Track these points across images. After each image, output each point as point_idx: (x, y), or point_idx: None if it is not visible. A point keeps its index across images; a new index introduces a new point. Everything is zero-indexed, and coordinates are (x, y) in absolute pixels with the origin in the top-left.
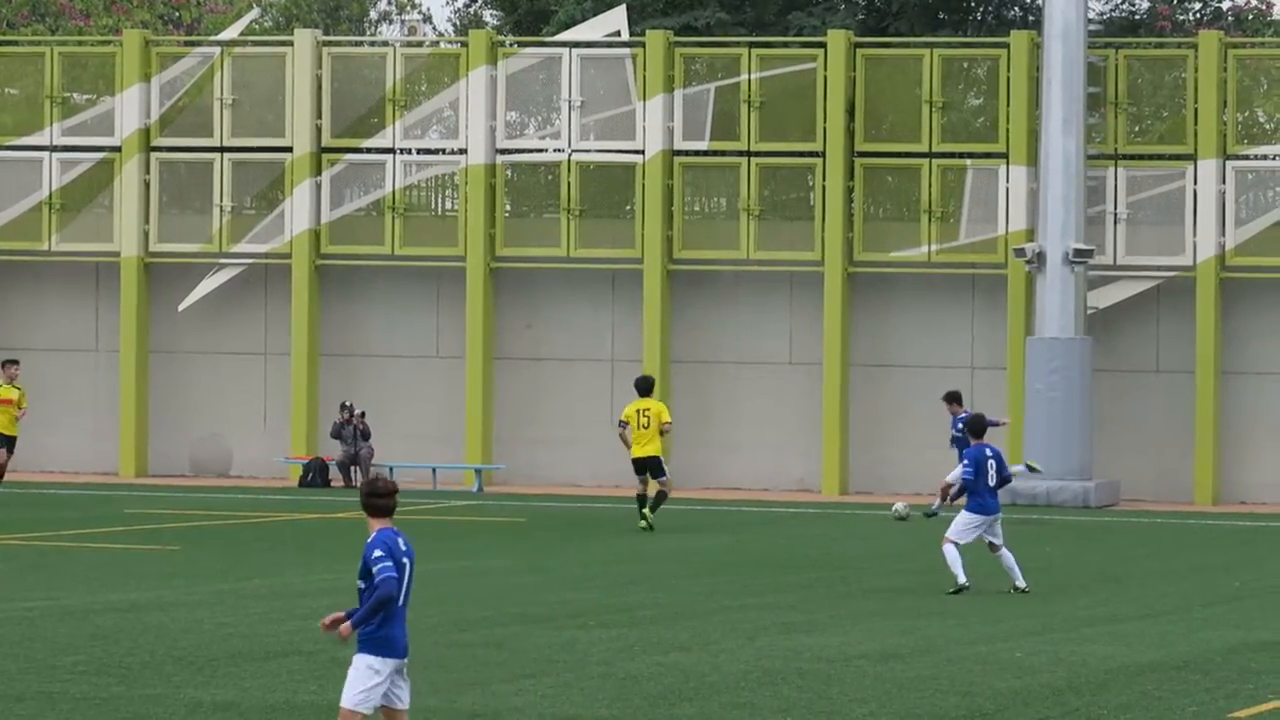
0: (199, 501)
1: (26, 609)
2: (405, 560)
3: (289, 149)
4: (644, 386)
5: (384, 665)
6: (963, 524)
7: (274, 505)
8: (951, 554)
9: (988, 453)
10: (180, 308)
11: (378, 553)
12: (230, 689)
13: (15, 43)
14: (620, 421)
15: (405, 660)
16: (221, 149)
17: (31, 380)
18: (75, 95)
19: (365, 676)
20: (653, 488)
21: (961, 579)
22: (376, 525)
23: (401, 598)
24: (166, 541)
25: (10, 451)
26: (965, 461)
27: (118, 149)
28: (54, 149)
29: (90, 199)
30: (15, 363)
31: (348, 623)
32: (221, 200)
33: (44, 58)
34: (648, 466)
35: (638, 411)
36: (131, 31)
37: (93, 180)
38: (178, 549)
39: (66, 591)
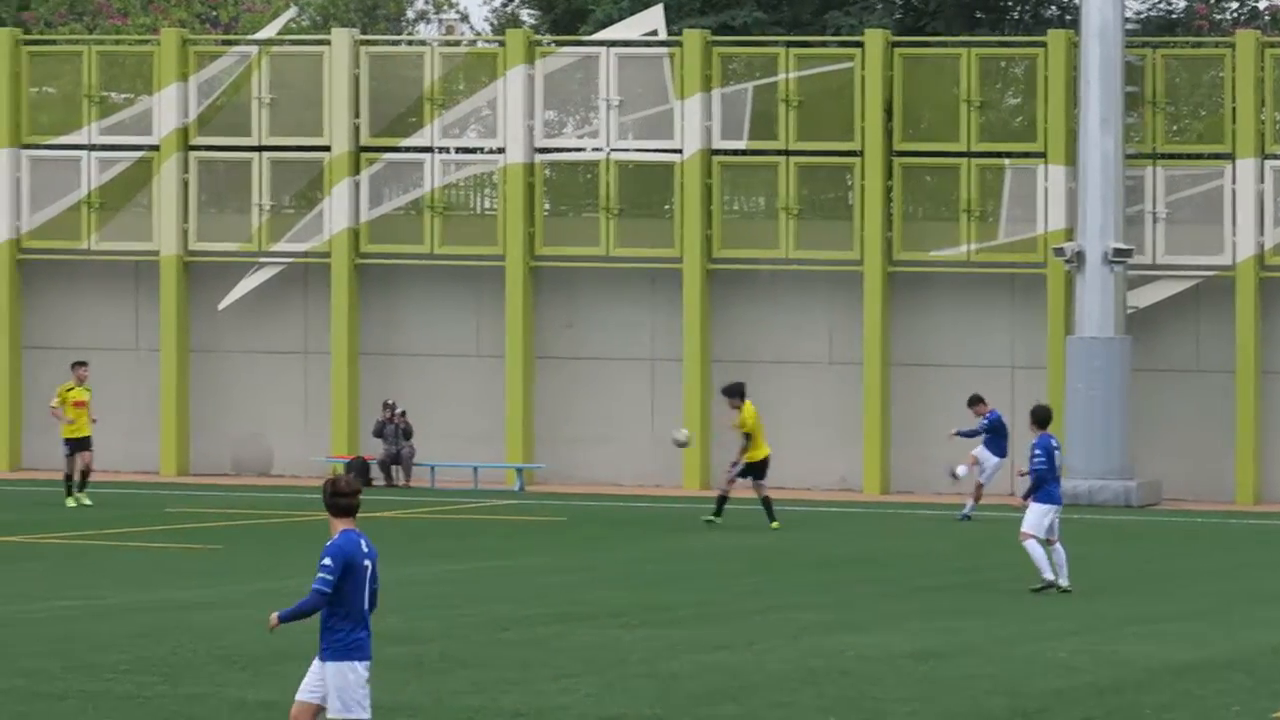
0: (240, 500)
1: (68, 608)
2: (367, 562)
3: (327, 148)
4: (741, 391)
5: (365, 669)
6: (1038, 516)
7: (315, 505)
8: (1036, 550)
9: (1053, 443)
10: (220, 307)
11: (327, 560)
12: (273, 688)
13: (53, 41)
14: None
15: (369, 662)
16: (260, 148)
17: (68, 378)
18: (113, 94)
19: (356, 684)
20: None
21: (1048, 574)
22: (339, 526)
23: (366, 602)
24: (208, 540)
25: (89, 450)
26: (1038, 451)
27: (156, 148)
28: (92, 148)
29: (129, 198)
30: (84, 364)
31: (275, 615)
32: (260, 199)
33: (81, 57)
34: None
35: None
36: (169, 30)
37: (131, 179)
38: (220, 548)
39: (108, 590)
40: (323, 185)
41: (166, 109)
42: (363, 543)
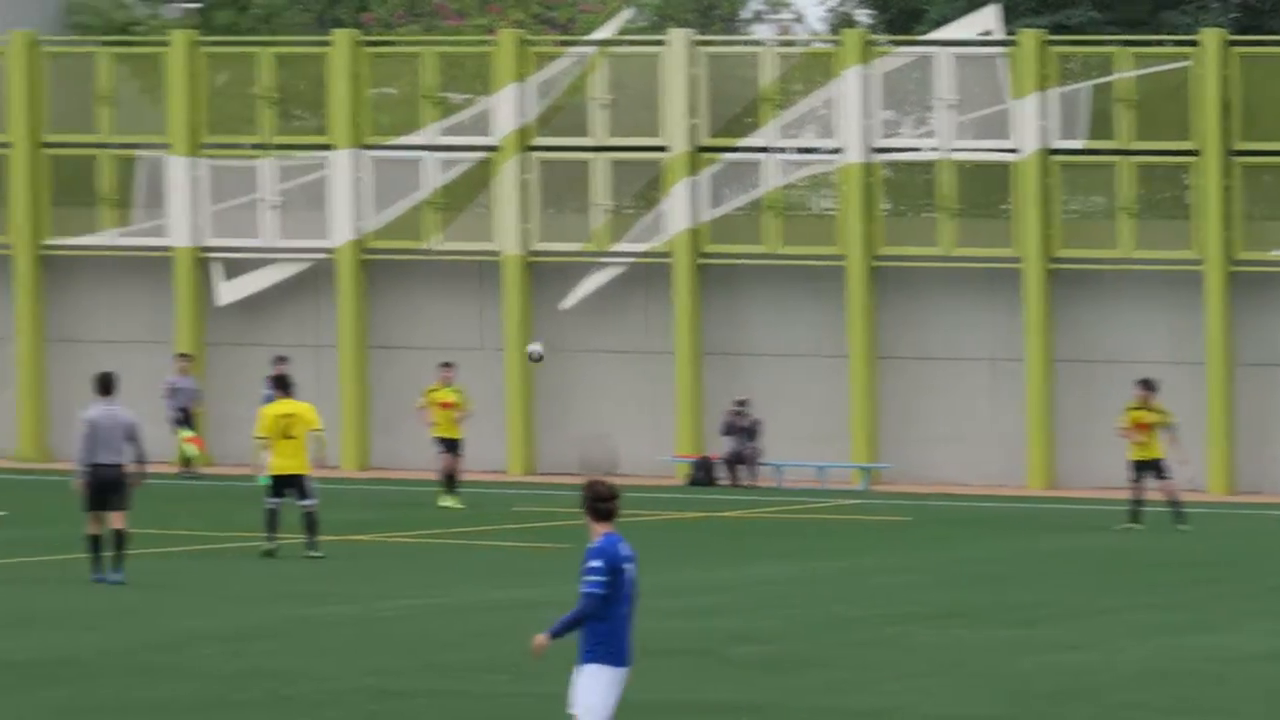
0: None
1: (417, 606)
2: (627, 566)
3: (665, 148)
4: (1152, 386)
5: (615, 675)
6: None
7: (660, 504)
8: None
9: None
10: (562, 307)
11: (595, 563)
12: (628, 687)
13: (392, 43)
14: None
15: (628, 670)
16: (599, 148)
17: (413, 378)
18: (452, 95)
19: (598, 686)
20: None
21: None
22: (599, 530)
23: (625, 605)
24: (556, 539)
25: (456, 454)
26: None
27: (496, 148)
28: (432, 149)
29: (470, 198)
30: (450, 365)
31: (542, 635)
32: (600, 200)
33: (420, 58)
34: (1153, 468)
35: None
36: (506, 31)
37: (472, 179)
38: (568, 546)
39: (458, 589)
40: (661, 185)
41: (505, 110)
42: (622, 547)
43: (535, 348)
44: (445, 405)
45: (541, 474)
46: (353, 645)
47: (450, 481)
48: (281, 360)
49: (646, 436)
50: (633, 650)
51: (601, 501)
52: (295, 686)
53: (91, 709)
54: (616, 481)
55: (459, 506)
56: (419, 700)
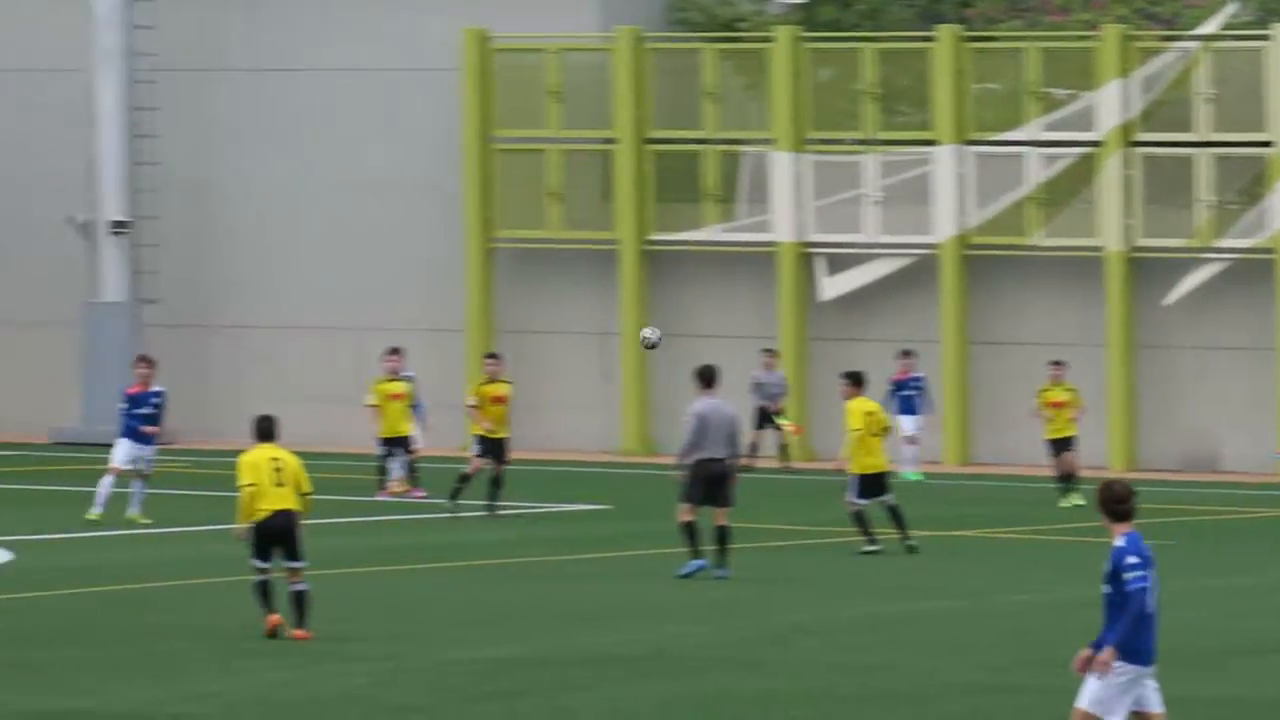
0: (1187, 497)
1: (1021, 602)
2: (1151, 568)
3: (1270, 143)
4: None
5: (1127, 671)
6: None
7: (1263, 501)
8: None
9: None
10: (1165, 303)
11: (1133, 559)
12: (1223, 684)
13: (994, 38)
14: None
15: (1152, 668)
16: (1202, 144)
17: (1016, 373)
18: (1055, 90)
19: (1114, 681)
20: None
21: None
22: (1120, 530)
23: (1152, 605)
24: (1159, 536)
25: (1071, 451)
26: None
27: (1099, 144)
28: (1035, 144)
29: (1073, 194)
30: (1059, 363)
31: (1107, 651)
32: (1204, 195)
33: (1023, 53)
34: None
35: None
36: (1110, 27)
37: (1075, 175)
38: (1172, 543)
39: (1061, 584)
40: (1266, 180)
41: (1108, 105)
42: (1143, 545)
43: (650, 334)
44: (1056, 405)
45: (1143, 470)
46: (956, 639)
47: (1068, 479)
48: (907, 354)
49: (1251, 433)
50: (1156, 649)
51: (1120, 503)
52: (899, 680)
53: (696, 701)
54: (1130, 481)
55: (1080, 503)
56: (1026, 696)
